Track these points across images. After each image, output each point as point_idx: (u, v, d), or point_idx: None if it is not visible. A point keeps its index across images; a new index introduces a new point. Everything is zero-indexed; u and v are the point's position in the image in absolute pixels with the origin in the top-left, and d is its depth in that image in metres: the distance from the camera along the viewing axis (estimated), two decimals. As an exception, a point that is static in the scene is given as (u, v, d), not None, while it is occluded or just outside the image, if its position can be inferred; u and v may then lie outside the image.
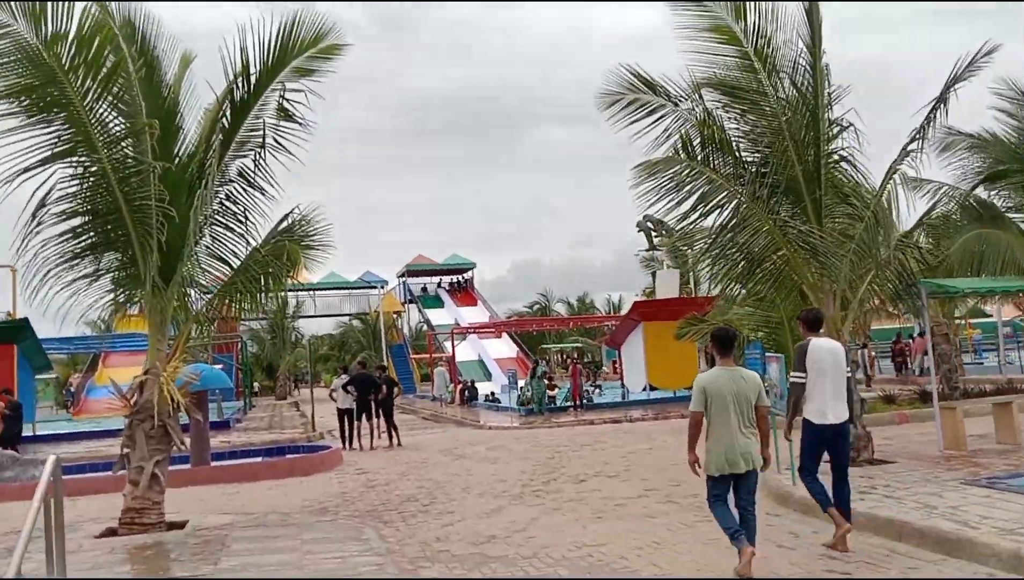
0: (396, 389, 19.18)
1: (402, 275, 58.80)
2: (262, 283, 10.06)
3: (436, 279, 60.46)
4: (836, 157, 10.85)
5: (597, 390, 29.84)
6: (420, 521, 8.99)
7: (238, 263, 9.92)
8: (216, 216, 9.77)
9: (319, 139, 10.20)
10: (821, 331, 7.33)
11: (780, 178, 10.35)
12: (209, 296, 9.85)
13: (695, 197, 10.38)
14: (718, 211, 10.48)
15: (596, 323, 45.40)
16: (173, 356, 9.16)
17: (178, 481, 12.58)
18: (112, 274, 9.38)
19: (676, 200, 10.47)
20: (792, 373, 7.11)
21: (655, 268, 44.99)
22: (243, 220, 9.83)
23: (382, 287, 54.68)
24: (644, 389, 26.10)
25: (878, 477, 9.03)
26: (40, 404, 47.01)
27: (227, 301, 9.96)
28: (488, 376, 43.27)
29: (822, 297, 10.43)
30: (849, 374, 7.38)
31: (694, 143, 10.30)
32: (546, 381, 25.02)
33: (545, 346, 55.36)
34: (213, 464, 14.32)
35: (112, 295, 9.45)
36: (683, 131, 10.34)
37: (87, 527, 8.94)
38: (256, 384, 53.68)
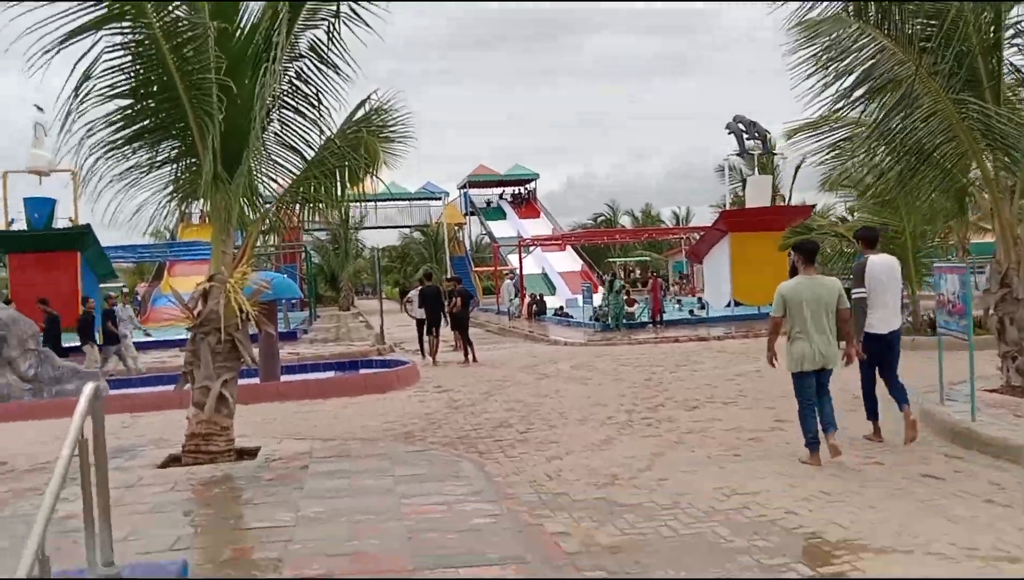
0: (472, 302, 18.15)
1: (463, 186, 57.33)
2: (339, 178, 8.76)
3: (499, 190, 58.96)
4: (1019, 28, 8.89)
5: (679, 305, 28.33)
6: (521, 453, 7.81)
7: (312, 154, 8.60)
8: (285, 97, 8.41)
9: (375, 48, 8.72)
10: (877, 247, 7.89)
11: (951, 53, 8.47)
12: (280, 192, 8.58)
13: (860, 70, 8.60)
14: (880, 92, 8.69)
15: (670, 235, 43.42)
16: (241, 261, 7.98)
17: (246, 397, 11.64)
18: (170, 166, 8.17)
19: (835, 72, 8.71)
20: (854, 290, 7.39)
21: (745, 174, 42.77)
22: (316, 103, 8.44)
23: (443, 198, 53.37)
24: (728, 304, 24.55)
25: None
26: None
27: (300, 199, 8.69)
28: (553, 290, 42.04)
29: (1000, 196, 8.67)
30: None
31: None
32: (624, 295, 23.61)
33: (611, 259, 53.85)
34: (283, 379, 13.43)
35: (171, 191, 8.25)
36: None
37: (149, 453, 7.99)
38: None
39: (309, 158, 8.65)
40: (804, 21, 8.67)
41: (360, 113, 9.07)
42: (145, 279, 48.96)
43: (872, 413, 7.65)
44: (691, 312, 25.92)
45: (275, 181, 8.80)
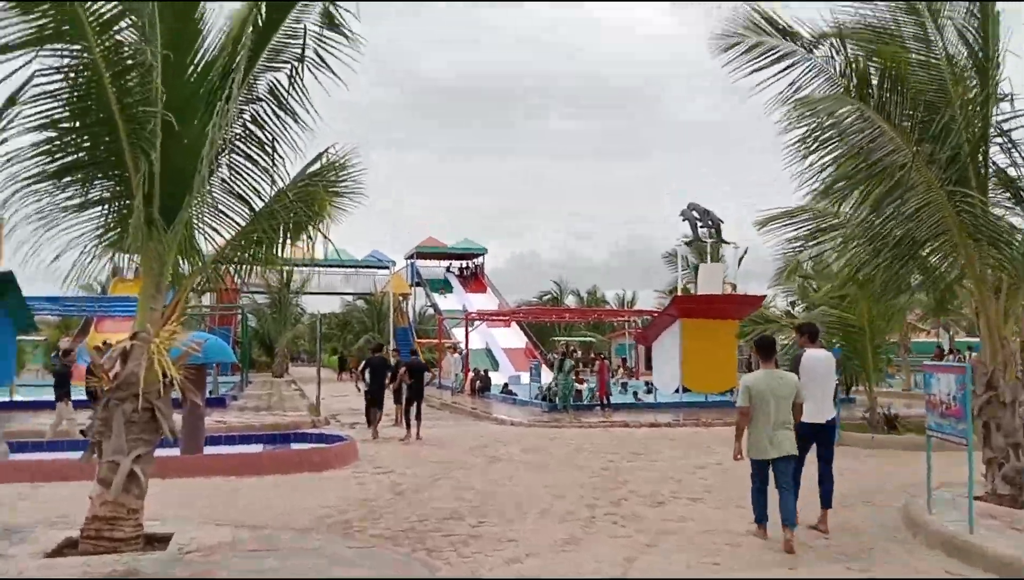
0: (429, 374, 17.36)
1: (410, 256, 56.66)
2: (285, 233, 8.00)
3: (446, 263, 58.47)
4: (1003, 128, 8.72)
5: (624, 388, 27.76)
6: (476, 551, 6.92)
7: (260, 205, 7.81)
8: (237, 141, 7.64)
9: (330, 108, 8.20)
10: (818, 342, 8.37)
11: (950, 142, 8.20)
12: (222, 245, 7.74)
13: (858, 152, 8.28)
14: (876, 179, 8.37)
15: (618, 317, 43.19)
16: (170, 318, 7.06)
17: (164, 470, 10.49)
18: (101, 207, 7.28)
19: (832, 152, 8.38)
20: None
21: (691, 262, 43.06)
22: (271, 150, 7.70)
23: (390, 267, 52.56)
24: (676, 390, 24.04)
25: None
26: (28, 367, 45.13)
27: (244, 254, 7.88)
28: (496, 366, 41.20)
29: (987, 294, 8.32)
30: (837, 379, 8.84)
31: (865, 83, 8.13)
32: (574, 376, 22.95)
33: (555, 338, 53.36)
34: (207, 451, 12.25)
35: (99, 235, 7.33)
36: (855, 63, 8.18)
37: (41, 535, 6.84)
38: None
39: (257, 209, 7.85)
40: (803, 99, 8.36)
41: (316, 166, 8.40)
42: (69, 333, 46.56)
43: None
44: (635, 395, 25.34)
45: (217, 233, 7.96)
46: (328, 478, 10.89)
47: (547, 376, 25.01)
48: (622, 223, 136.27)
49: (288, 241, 8.38)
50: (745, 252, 26.44)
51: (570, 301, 60.50)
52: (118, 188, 7.22)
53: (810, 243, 11.10)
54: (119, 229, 7.37)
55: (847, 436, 14.61)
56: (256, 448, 13.58)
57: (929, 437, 7.80)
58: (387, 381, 16.81)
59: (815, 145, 8.86)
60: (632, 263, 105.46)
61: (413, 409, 16.17)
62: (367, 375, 16.72)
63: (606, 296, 62.24)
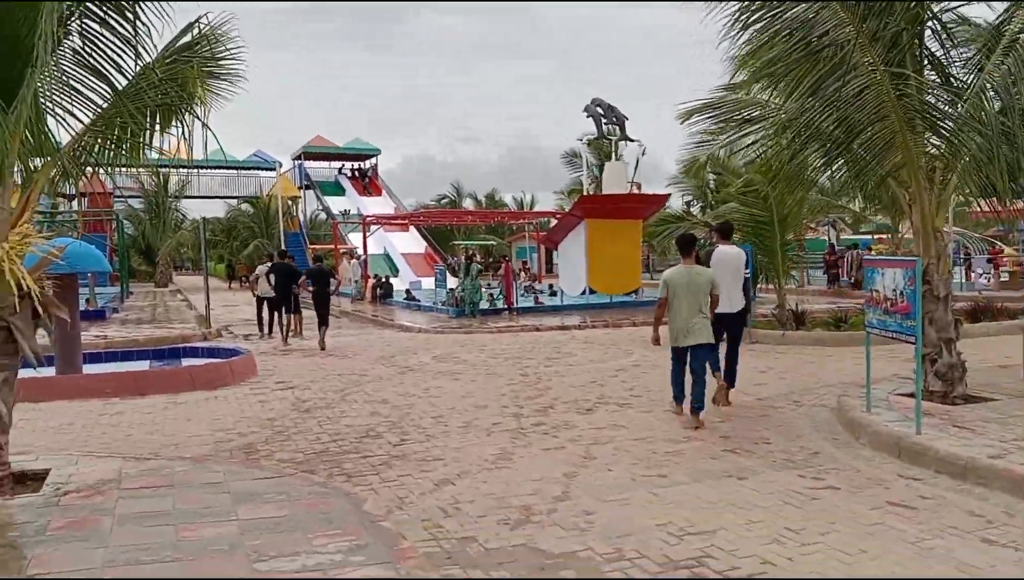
0: (334, 282, 16.58)
1: (298, 157, 53.90)
2: (152, 118, 6.83)
3: (337, 164, 56.05)
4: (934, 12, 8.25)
5: (527, 293, 27.37)
6: (401, 475, 6.24)
7: (123, 84, 6.55)
8: (90, 2, 6.28)
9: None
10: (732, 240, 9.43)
11: (886, 25, 7.66)
12: (80, 129, 6.47)
13: (788, 33, 7.66)
14: (801, 65, 7.81)
15: (521, 219, 42.62)
16: (19, 220, 5.86)
17: (37, 393, 9.39)
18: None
19: (767, 32, 7.74)
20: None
21: (591, 162, 42.56)
22: (131, 16, 6.37)
23: (276, 168, 49.80)
24: (583, 292, 23.83)
25: (991, 423, 6.84)
26: None
27: (108, 142, 6.65)
28: (396, 272, 40.15)
29: (923, 185, 7.99)
30: (747, 274, 9.41)
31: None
32: (481, 280, 22.31)
33: (456, 242, 52.54)
34: (87, 370, 11.01)
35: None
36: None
37: None
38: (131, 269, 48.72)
39: (120, 88, 6.58)
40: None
41: (187, 38, 7.17)
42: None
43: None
44: (535, 298, 24.93)
45: (75, 117, 6.66)
46: (224, 397, 9.93)
47: (452, 281, 24.26)
48: (510, 125, 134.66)
49: (158, 128, 7.23)
50: (643, 152, 26.04)
51: (468, 204, 59.55)
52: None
53: (734, 135, 10.61)
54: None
55: (757, 333, 14.64)
56: (142, 365, 12.38)
57: (868, 334, 7.54)
58: (295, 288, 16.21)
59: (750, 20, 8.20)
60: (524, 166, 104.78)
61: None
62: (271, 279, 16.19)
63: (504, 199, 61.61)
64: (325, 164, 56.35)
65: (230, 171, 54.23)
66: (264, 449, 7.18)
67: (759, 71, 9.52)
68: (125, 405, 9.44)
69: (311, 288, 15.91)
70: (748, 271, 9.72)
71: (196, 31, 7.09)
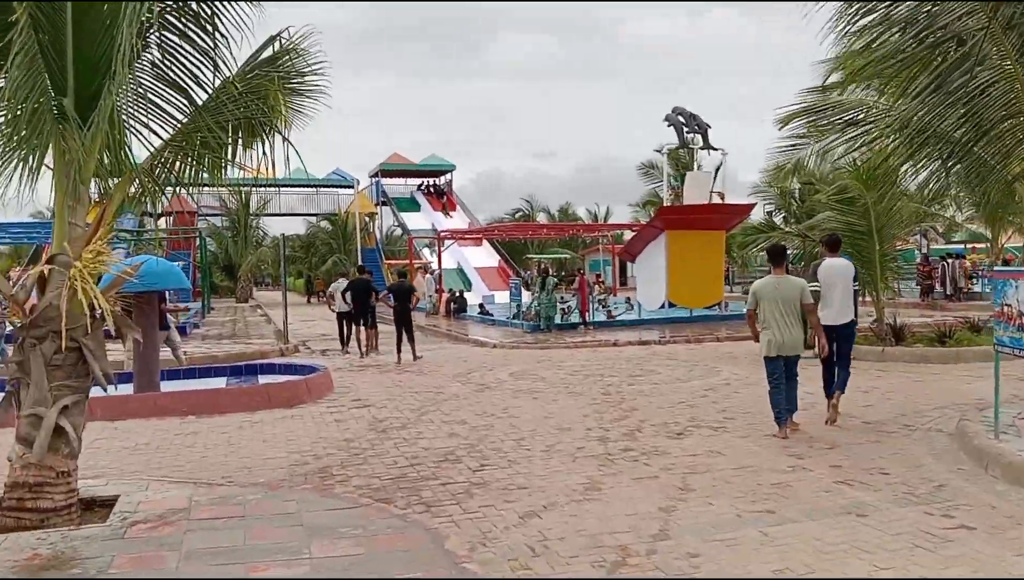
0: (414, 298, 16.52)
1: (375, 175, 54.52)
2: (233, 133, 6.63)
3: (413, 181, 56.51)
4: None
5: (602, 305, 26.77)
6: (484, 505, 5.82)
7: (203, 98, 6.37)
8: (168, 15, 6.13)
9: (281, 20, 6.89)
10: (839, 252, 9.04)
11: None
12: (159, 145, 6.31)
13: (905, 28, 7.02)
14: (920, 62, 7.14)
15: (596, 232, 42.00)
16: (94, 236, 5.69)
17: (114, 412, 9.38)
18: (7, 101, 5.79)
19: (876, 28, 7.13)
20: (810, 285, 8.19)
21: (669, 172, 41.70)
22: (210, 27, 6.18)
23: (355, 186, 50.44)
24: (662, 306, 23.12)
25: None
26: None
27: (188, 157, 6.48)
28: (469, 286, 40.03)
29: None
30: (855, 287, 8.85)
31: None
32: (557, 294, 21.86)
33: (528, 256, 52.23)
34: (164, 387, 11.00)
35: (8, 135, 5.85)
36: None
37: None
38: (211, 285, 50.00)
39: (199, 102, 6.41)
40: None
41: (267, 53, 6.99)
42: (20, 263, 44.32)
43: (827, 392, 8.61)
44: (608, 314, 24.14)
45: (152, 132, 6.51)
46: (300, 415, 9.73)
47: (527, 295, 23.85)
48: (584, 141, 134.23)
49: (240, 145, 7.06)
50: (722, 163, 25.16)
51: (541, 218, 59.20)
52: (25, 79, 5.74)
53: (834, 139, 9.97)
54: (31, 128, 5.90)
55: (856, 349, 13.75)
56: (219, 382, 12.35)
57: (998, 352, 6.79)
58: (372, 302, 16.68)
59: (857, 16, 7.60)
60: (598, 180, 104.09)
61: (404, 334, 15.59)
62: (347, 297, 16.60)
63: (577, 212, 61.02)
64: (401, 181, 56.92)
65: (310, 189, 55.36)
66: (340, 473, 6.87)
67: (860, 72, 8.89)
68: (201, 424, 9.31)
69: (393, 304, 15.84)
70: (857, 284, 9.13)
71: (278, 45, 6.93)
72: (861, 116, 9.20)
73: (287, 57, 7.12)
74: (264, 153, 7.65)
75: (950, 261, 26.84)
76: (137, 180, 6.21)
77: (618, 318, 23.85)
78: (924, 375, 11.55)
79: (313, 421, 9.36)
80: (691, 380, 11.86)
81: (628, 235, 51.98)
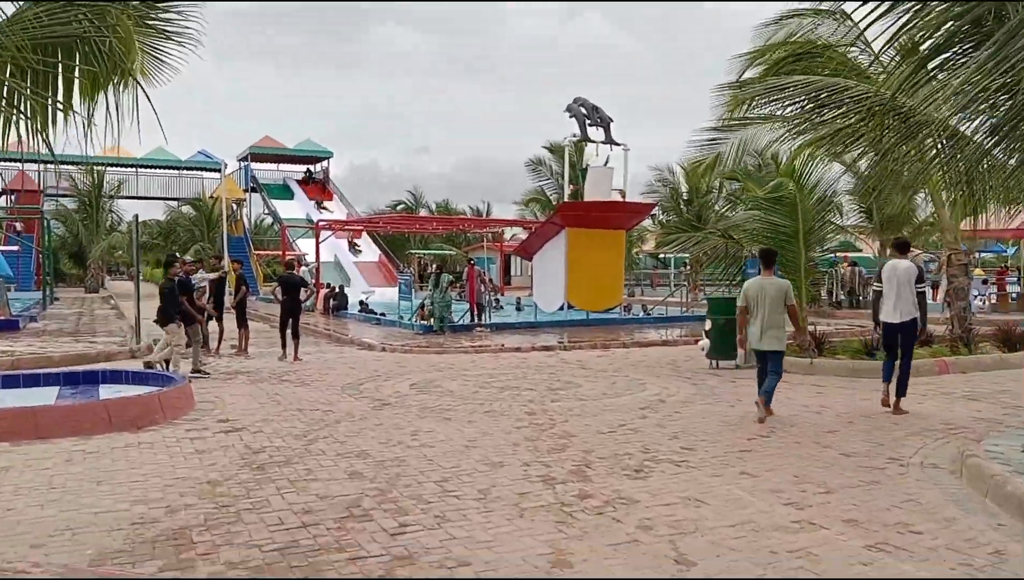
0: (306, 290, 14.91)
1: (244, 158, 50.95)
2: (64, 62, 4.68)
3: (286, 167, 53.25)
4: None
5: (496, 304, 25.28)
6: (416, 595, 4.08)
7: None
8: None
9: None
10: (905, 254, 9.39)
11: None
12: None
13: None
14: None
15: (487, 227, 40.52)
16: None
17: None
18: None
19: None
20: (875, 283, 9.59)
21: (555, 170, 40.63)
22: None
23: (222, 169, 46.82)
24: (560, 308, 21.83)
25: None
26: None
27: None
28: (348, 281, 37.65)
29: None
30: (921, 288, 9.09)
31: None
32: (452, 292, 20.16)
33: (412, 251, 50.26)
34: (-31, 402, 8.57)
35: None
36: None
37: None
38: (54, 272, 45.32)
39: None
40: None
41: None
42: None
43: (885, 378, 9.23)
44: (474, 317, 22.19)
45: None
46: (151, 443, 7.60)
47: (417, 292, 21.97)
48: (460, 139, 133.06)
49: (75, 86, 5.10)
50: (607, 160, 24.16)
51: (422, 213, 57.22)
52: None
53: (797, 126, 8.81)
54: None
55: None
56: (49, 393, 9.92)
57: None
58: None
59: None
60: (476, 178, 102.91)
61: (289, 329, 14.32)
62: (278, 293, 14.66)
63: (460, 209, 59.37)
64: (273, 166, 53.50)
65: (171, 171, 51.19)
66: (202, 540, 4.93)
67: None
68: (16, 455, 7.05)
69: (281, 298, 14.10)
70: (923, 285, 9.18)
71: None
72: (839, 87, 8.03)
73: None
74: (109, 110, 5.73)
75: (849, 268, 26.95)
76: None
77: (514, 320, 22.40)
78: (864, 391, 10.62)
79: (167, 451, 7.28)
80: (619, 395, 10.46)
81: (512, 232, 50.99)
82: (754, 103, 12.71)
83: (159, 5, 6.01)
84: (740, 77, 15.40)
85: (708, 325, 13.37)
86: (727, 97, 14.83)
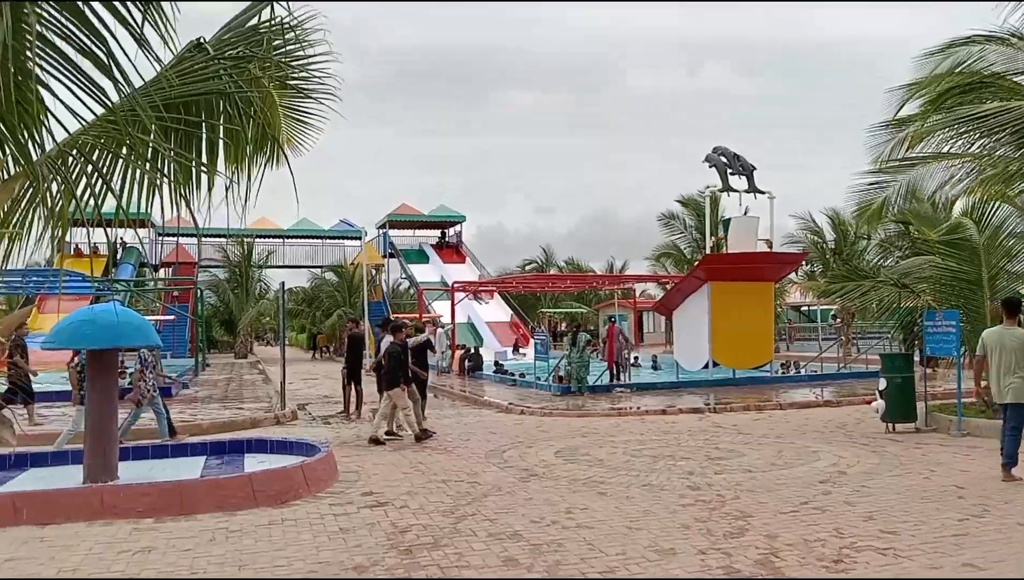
0: (433, 354, 14.39)
1: (383, 225, 52.58)
2: (202, 134, 4.44)
3: (421, 233, 54.59)
4: None
5: (636, 361, 24.32)
6: None
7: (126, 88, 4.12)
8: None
9: None
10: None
11: None
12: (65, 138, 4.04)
13: None
14: None
15: (621, 284, 39.81)
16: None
17: (45, 510, 6.97)
18: None
19: None
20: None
21: (688, 223, 39.55)
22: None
23: (362, 237, 48.46)
24: (705, 366, 20.63)
25: None
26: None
27: (112, 153, 4.22)
28: (480, 341, 37.61)
29: None
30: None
31: None
32: (590, 351, 19.46)
33: (542, 310, 50.01)
34: (126, 469, 8.56)
35: None
36: None
37: None
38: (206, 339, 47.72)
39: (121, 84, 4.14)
40: None
41: (252, 17, 4.89)
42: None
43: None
44: (613, 377, 20.90)
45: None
46: (294, 519, 7.23)
47: (553, 351, 21.36)
48: (582, 195, 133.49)
49: (219, 148, 4.88)
50: (746, 210, 22.90)
51: (552, 272, 57.05)
52: None
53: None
54: None
55: (977, 424, 11.31)
56: (197, 463, 9.87)
57: None
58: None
59: None
60: (603, 233, 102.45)
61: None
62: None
63: (591, 265, 58.84)
64: (410, 232, 54.95)
65: (315, 241, 53.40)
66: (349, 642, 4.38)
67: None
68: (160, 533, 6.84)
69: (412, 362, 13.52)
70: None
71: (263, 15, 4.79)
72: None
73: (278, 34, 5.01)
74: (253, 171, 5.51)
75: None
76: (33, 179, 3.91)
77: (654, 380, 21.37)
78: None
79: (311, 529, 6.88)
80: (791, 466, 9.37)
81: (642, 288, 49.84)
82: (921, 141, 11.53)
83: (295, 64, 5.77)
84: (898, 113, 14.21)
85: (883, 384, 12.00)
86: (886, 135, 13.68)
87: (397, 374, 11.94)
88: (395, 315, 46.78)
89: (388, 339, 12.72)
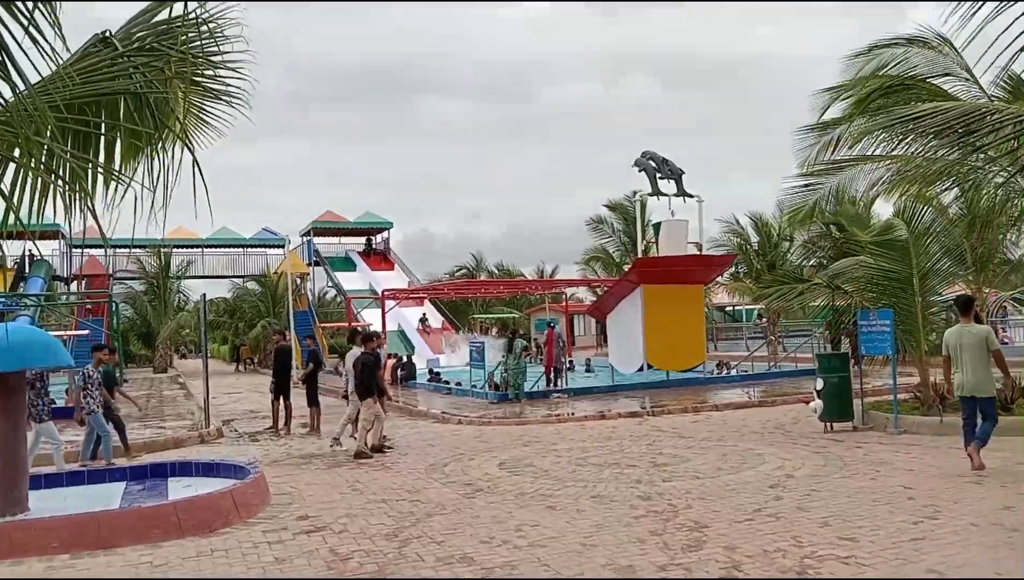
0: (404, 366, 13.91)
1: (307, 233, 51.33)
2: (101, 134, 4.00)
3: (347, 240, 53.52)
4: None
5: (570, 366, 24.19)
6: None
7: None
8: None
9: None
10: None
11: None
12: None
13: None
14: None
15: (554, 288, 39.81)
16: None
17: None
18: None
19: None
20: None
21: (616, 227, 39.82)
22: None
23: (285, 245, 47.15)
24: (640, 369, 20.63)
25: None
26: None
27: (3, 156, 3.75)
28: (412, 349, 37.02)
29: None
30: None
31: None
32: (527, 357, 19.20)
33: (475, 316, 49.63)
34: (36, 501, 7.85)
35: None
36: None
37: None
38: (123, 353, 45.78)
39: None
40: None
41: (161, 11, 4.48)
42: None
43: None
44: (550, 382, 20.70)
45: None
46: (224, 550, 6.71)
47: (491, 357, 21.01)
48: (512, 202, 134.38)
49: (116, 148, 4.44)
50: (673, 213, 23.14)
51: (483, 278, 56.77)
52: None
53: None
54: None
55: (907, 420, 11.50)
56: (116, 490, 9.18)
57: None
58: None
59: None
60: (529, 239, 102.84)
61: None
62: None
63: (521, 271, 58.77)
64: (335, 240, 53.84)
65: (236, 250, 51.77)
66: None
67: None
68: (77, 571, 6.24)
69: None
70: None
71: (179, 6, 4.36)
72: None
73: (191, 26, 4.59)
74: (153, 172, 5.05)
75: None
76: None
77: (590, 384, 21.26)
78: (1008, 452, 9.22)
79: (244, 561, 6.37)
80: (738, 471, 9.27)
81: (571, 292, 50.03)
82: (860, 142, 11.64)
83: (211, 60, 5.30)
84: (821, 116, 14.40)
85: (820, 384, 12.08)
86: (812, 138, 13.84)
87: (371, 384, 11.75)
88: (322, 324, 45.75)
89: (356, 350, 12.41)
